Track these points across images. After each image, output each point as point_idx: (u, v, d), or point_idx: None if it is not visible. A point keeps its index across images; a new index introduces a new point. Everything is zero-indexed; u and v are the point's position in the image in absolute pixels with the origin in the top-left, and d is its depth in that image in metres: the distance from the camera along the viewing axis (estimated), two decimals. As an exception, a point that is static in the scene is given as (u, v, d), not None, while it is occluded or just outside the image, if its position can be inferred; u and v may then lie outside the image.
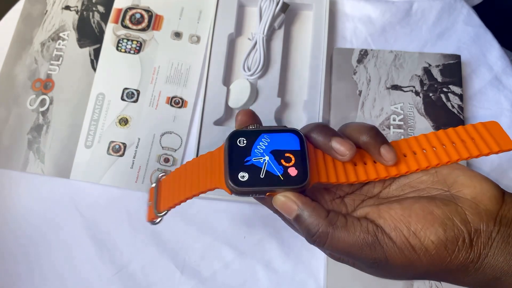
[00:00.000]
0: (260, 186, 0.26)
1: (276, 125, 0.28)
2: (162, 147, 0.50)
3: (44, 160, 0.50)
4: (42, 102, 0.52)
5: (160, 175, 0.30)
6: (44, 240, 0.48)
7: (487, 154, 0.27)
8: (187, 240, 0.48)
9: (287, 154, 0.26)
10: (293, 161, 0.26)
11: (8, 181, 0.50)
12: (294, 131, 0.27)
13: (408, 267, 0.24)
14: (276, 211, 0.28)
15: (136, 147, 0.50)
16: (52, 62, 0.54)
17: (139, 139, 0.51)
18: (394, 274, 0.26)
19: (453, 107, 0.49)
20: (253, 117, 0.29)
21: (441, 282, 0.44)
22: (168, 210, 0.28)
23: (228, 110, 0.51)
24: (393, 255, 0.24)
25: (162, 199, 0.29)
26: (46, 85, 0.53)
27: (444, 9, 0.55)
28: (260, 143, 0.26)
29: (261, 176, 0.25)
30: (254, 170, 0.26)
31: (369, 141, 0.27)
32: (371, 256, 0.24)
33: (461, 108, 0.49)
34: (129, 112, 0.52)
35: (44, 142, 0.51)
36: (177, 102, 0.52)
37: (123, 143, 0.51)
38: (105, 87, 0.53)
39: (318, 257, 0.47)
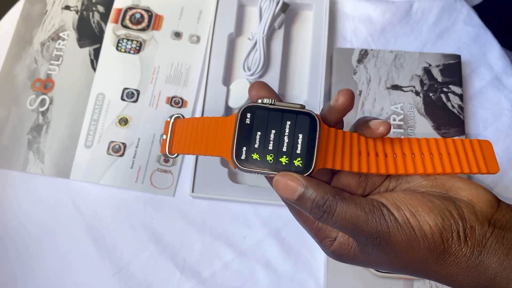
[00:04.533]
0: (263, 168, 0.25)
1: (296, 104, 0.27)
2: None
3: (44, 160, 0.50)
4: (42, 102, 0.52)
5: (177, 114, 0.31)
6: (44, 240, 0.48)
7: (475, 173, 0.28)
8: (187, 240, 0.48)
9: (296, 137, 0.26)
10: (301, 145, 0.26)
11: (8, 181, 0.50)
12: (310, 114, 0.26)
13: (407, 250, 0.25)
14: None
15: (136, 147, 0.50)
16: (52, 62, 0.54)
17: (139, 139, 0.51)
18: (394, 260, 0.26)
19: (453, 107, 0.49)
20: (267, 90, 0.28)
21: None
22: (178, 154, 0.30)
23: (228, 110, 0.51)
24: (395, 231, 0.24)
25: (174, 141, 0.30)
26: (46, 85, 0.53)
27: (444, 9, 0.55)
28: (272, 121, 0.26)
29: (267, 159, 0.25)
30: (261, 150, 0.25)
31: (361, 120, 0.28)
32: (376, 228, 0.24)
33: (461, 108, 0.49)
34: (129, 112, 0.52)
35: (44, 142, 0.51)
36: (177, 102, 0.52)
37: (123, 143, 0.51)
38: (105, 87, 0.53)
39: (318, 257, 0.47)
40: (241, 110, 0.26)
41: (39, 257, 0.47)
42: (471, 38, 0.54)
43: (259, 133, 0.26)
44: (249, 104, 0.26)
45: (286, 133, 0.26)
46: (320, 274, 0.46)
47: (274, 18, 0.51)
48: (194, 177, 0.47)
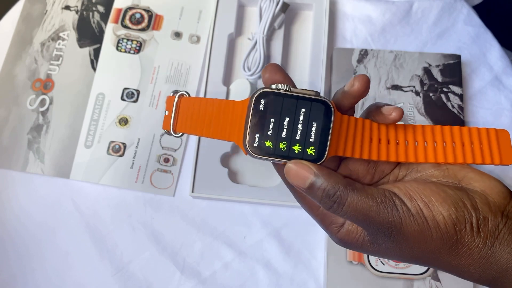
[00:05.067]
0: (275, 156, 0.25)
1: (311, 90, 0.26)
2: (162, 147, 0.50)
3: (44, 160, 0.50)
4: (42, 102, 0.52)
5: (182, 92, 0.29)
6: (44, 240, 0.48)
7: (487, 164, 0.27)
8: (187, 240, 0.48)
9: (310, 124, 0.25)
10: (315, 133, 0.25)
11: (8, 181, 0.50)
12: (325, 102, 0.25)
13: (420, 240, 0.24)
14: (287, 182, 0.27)
15: (136, 147, 0.50)
16: (52, 62, 0.54)
17: (139, 139, 0.51)
18: (405, 250, 0.25)
19: (453, 107, 0.49)
20: (282, 74, 0.27)
21: (441, 281, 0.44)
22: (183, 134, 0.29)
23: (228, 110, 0.50)
24: (407, 221, 0.24)
25: (179, 119, 0.28)
26: (46, 85, 0.53)
27: (444, 9, 0.55)
28: (286, 108, 0.25)
29: (279, 146, 0.25)
30: (273, 137, 0.25)
31: (373, 106, 0.27)
32: (388, 219, 0.24)
33: (461, 108, 0.49)
34: (129, 112, 0.52)
35: (44, 142, 0.51)
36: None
37: (123, 143, 0.51)
38: (105, 87, 0.53)
39: (318, 257, 0.47)
40: (255, 96, 0.25)
41: (39, 257, 0.47)
42: (471, 38, 0.54)
43: (272, 119, 0.25)
44: (263, 90, 0.25)
45: (300, 121, 0.25)
46: (320, 274, 0.46)
47: (274, 18, 0.51)
48: (194, 177, 0.47)
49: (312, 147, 0.25)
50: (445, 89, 0.50)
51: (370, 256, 0.45)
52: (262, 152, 0.25)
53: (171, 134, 0.29)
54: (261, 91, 0.25)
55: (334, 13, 0.56)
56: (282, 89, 0.25)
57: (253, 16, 0.54)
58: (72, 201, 0.49)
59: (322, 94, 0.49)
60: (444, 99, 0.50)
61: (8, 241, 0.48)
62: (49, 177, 0.50)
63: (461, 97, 0.50)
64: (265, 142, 0.25)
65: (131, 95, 0.52)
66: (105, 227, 0.48)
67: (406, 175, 0.29)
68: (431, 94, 0.50)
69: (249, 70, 0.50)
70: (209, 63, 0.51)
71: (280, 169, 0.28)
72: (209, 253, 0.47)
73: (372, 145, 0.27)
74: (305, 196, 0.28)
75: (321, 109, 0.25)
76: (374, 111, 0.27)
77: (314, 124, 0.25)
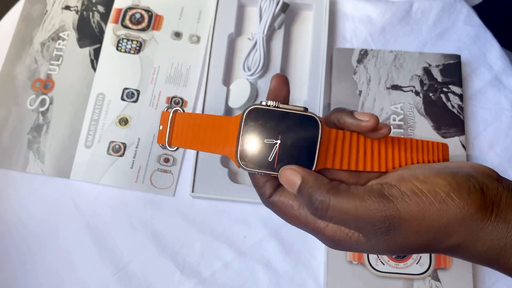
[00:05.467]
0: (266, 169, 0.26)
1: (300, 106, 0.27)
2: (162, 147, 0.50)
3: (44, 160, 0.50)
4: (42, 102, 0.52)
5: (176, 107, 0.30)
6: (44, 240, 0.48)
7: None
8: (187, 240, 0.48)
9: (299, 139, 0.26)
10: (303, 147, 0.26)
11: (8, 181, 0.50)
12: (313, 117, 0.27)
13: (424, 219, 0.23)
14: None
15: (136, 147, 0.50)
16: (52, 62, 0.54)
17: (139, 139, 0.51)
18: (411, 236, 0.24)
19: (453, 107, 0.49)
20: (287, 85, 0.29)
21: (441, 281, 0.44)
22: (178, 148, 0.30)
23: (228, 110, 0.51)
24: (405, 205, 0.23)
25: (174, 134, 0.30)
26: (46, 85, 0.53)
27: (444, 9, 0.55)
28: (275, 124, 0.26)
29: (269, 159, 0.26)
30: (264, 151, 0.26)
31: (345, 114, 0.28)
32: (382, 214, 0.23)
33: (461, 108, 0.49)
34: (129, 112, 0.52)
35: (44, 142, 0.51)
36: (177, 102, 0.52)
37: (123, 143, 0.51)
38: (105, 87, 0.53)
39: (318, 257, 0.47)
40: (246, 112, 0.27)
41: (40, 257, 0.47)
42: (471, 38, 0.54)
43: (263, 134, 0.26)
44: (254, 106, 0.27)
45: (289, 135, 0.26)
46: (320, 274, 0.46)
47: (274, 18, 0.51)
48: (194, 177, 0.47)
49: (301, 161, 0.26)
50: (445, 89, 0.50)
51: (370, 256, 0.45)
52: (253, 165, 0.26)
53: (166, 148, 0.30)
54: (252, 107, 0.27)
55: (334, 13, 0.56)
56: (272, 105, 0.27)
57: (253, 16, 0.54)
58: (72, 201, 0.49)
59: (322, 94, 0.49)
60: (444, 99, 0.50)
61: (9, 241, 0.48)
62: (49, 177, 0.50)
63: (461, 97, 0.50)
64: (256, 156, 0.26)
65: (131, 95, 0.52)
66: (105, 227, 0.48)
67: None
68: (431, 94, 0.50)
69: (249, 70, 0.50)
70: (209, 63, 0.51)
71: (254, 180, 0.29)
72: (209, 253, 0.47)
73: (359, 156, 0.28)
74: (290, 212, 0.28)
75: (309, 124, 0.26)
76: (354, 125, 0.27)
77: (303, 138, 0.26)
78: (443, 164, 0.27)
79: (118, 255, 0.47)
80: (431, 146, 0.30)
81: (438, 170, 0.25)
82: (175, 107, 0.30)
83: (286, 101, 0.29)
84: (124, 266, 0.47)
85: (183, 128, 0.30)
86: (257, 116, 0.27)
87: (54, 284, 0.47)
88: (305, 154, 0.26)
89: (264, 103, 0.27)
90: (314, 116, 0.27)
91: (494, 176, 0.25)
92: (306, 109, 0.27)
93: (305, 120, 0.27)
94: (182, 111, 0.30)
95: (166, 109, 0.31)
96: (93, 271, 0.47)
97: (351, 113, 0.27)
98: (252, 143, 0.26)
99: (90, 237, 0.48)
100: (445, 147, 0.32)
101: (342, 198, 0.24)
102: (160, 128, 0.30)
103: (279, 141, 0.26)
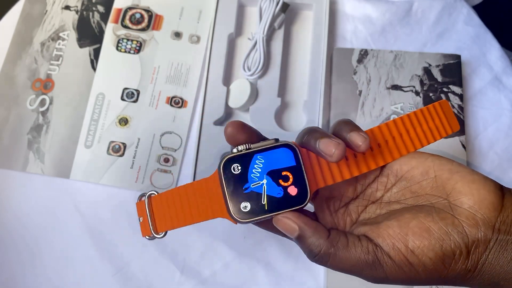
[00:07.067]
0: (263, 214, 0.25)
1: (270, 139, 0.27)
2: (162, 147, 0.50)
3: (44, 160, 0.50)
4: (42, 102, 0.52)
5: (149, 192, 0.28)
6: (43, 240, 0.48)
7: (444, 136, 0.29)
8: (187, 240, 0.47)
9: (284, 173, 0.26)
10: (291, 179, 0.26)
11: (8, 181, 0.50)
12: (286, 145, 0.26)
13: (408, 281, 0.26)
14: (278, 231, 0.28)
15: (136, 147, 0.50)
16: (52, 62, 0.54)
17: (139, 139, 0.51)
18: (396, 284, 0.27)
19: (453, 107, 0.49)
20: (243, 130, 0.27)
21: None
22: (166, 233, 0.28)
23: (228, 110, 0.51)
24: (392, 272, 0.25)
25: (157, 220, 0.28)
26: (46, 85, 0.53)
27: (444, 9, 0.55)
28: (255, 165, 0.26)
29: (263, 202, 0.25)
30: (254, 197, 0.25)
31: (342, 130, 0.27)
32: (371, 274, 0.26)
33: (461, 108, 0.49)
34: (129, 112, 0.52)
35: (44, 142, 0.51)
36: (177, 102, 0.52)
37: (123, 143, 0.51)
38: (105, 87, 0.53)
39: (318, 257, 0.47)
40: (221, 166, 0.26)
41: (39, 257, 0.47)
42: (471, 38, 0.54)
43: (246, 180, 0.26)
44: (226, 158, 0.26)
45: (272, 171, 0.26)
46: (320, 274, 0.46)
47: (274, 18, 0.51)
48: (194, 177, 0.47)
49: (293, 189, 0.26)
50: (445, 89, 0.50)
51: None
52: (249, 215, 0.25)
53: (154, 238, 0.27)
54: (225, 160, 0.26)
55: (334, 13, 0.56)
56: (243, 149, 0.26)
57: (253, 16, 0.54)
58: (72, 201, 0.49)
59: (322, 94, 0.49)
60: (444, 99, 0.50)
61: (8, 241, 0.48)
62: (49, 177, 0.50)
63: (461, 97, 0.50)
64: (248, 205, 0.25)
65: (131, 95, 0.52)
66: (105, 227, 0.48)
67: (395, 184, 0.29)
68: (431, 94, 0.50)
69: (249, 70, 0.50)
70: (209, 63, 0.51)
71: (266, 225, 0.28)
72: (209, 253, 0.47)
73: (349, 163, 0.27)
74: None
75: (286, 153, 0.26)
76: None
77: (286, 168, 0.26)
78: (442, 196, 0.27)
79: (118, 255, 0.47)
80: (428, 112, 0.29)
81: (429, 236, 0.25)
82: (150, 192, 0.28)
83: (256, 140, 0.27)
84: (124, 266, 0.47)
85: (164, 210, 0.27)
86: (233, 165, 0.26)
87: (54, 284, 0.47)
88: (294, 182, 0.26)
89: (234, 150, 0.26)
90: (287, 143, 0.26)
91: (493, 219, 0.25)
92: (277, 140, 0.27)
93: (280, 151, 0.26)
94: (155, 193, 0.28)
95: (139, 199, 0.28)
96: (93, 271, 0.47)
97: (316, 139, 0.26)
98: (240, 194, 0.25)
99: (90, 237, 0.48)
100: (444, 104, 0.30)
101: (342, 254, 0.26)
102: (141, 220, 0.28)
103: (265, 181, 0.26)
